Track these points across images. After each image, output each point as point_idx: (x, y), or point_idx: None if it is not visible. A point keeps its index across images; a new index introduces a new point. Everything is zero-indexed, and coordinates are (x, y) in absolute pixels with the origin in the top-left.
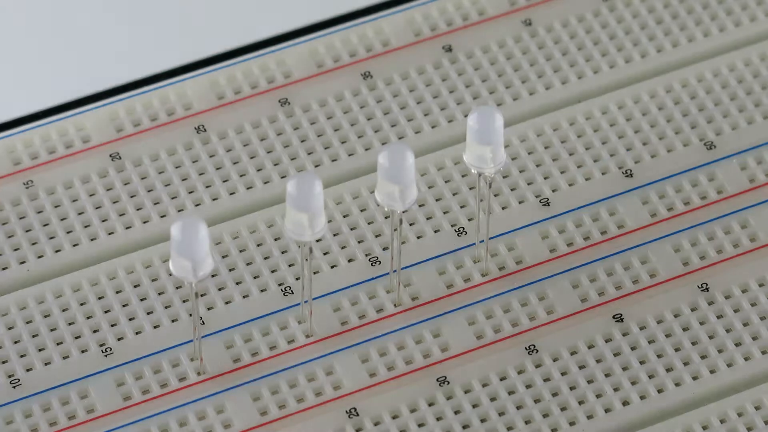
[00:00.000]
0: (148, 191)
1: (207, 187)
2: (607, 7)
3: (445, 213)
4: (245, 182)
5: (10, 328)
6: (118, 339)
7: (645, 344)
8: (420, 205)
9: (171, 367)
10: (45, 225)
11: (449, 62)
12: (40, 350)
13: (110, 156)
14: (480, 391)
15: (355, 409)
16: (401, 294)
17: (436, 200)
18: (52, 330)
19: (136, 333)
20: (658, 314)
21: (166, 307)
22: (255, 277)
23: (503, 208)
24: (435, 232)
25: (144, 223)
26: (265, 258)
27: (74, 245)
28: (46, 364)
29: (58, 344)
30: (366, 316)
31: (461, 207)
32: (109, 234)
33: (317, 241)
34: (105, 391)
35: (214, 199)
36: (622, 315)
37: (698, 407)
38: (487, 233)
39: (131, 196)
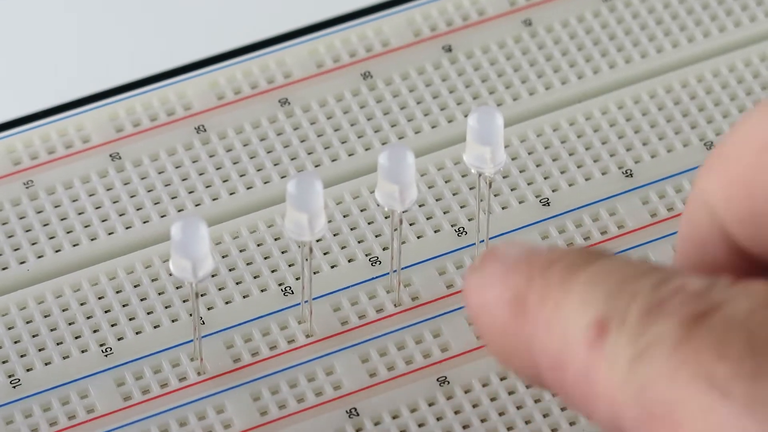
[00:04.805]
0: (148, 191)
1: (207, 187)
2: (607, 7)
3: (445, 213)
4: (245, 182)
5: (10, 328)
6: (118, 339)
7: None
8: (420, 205)
9: (171, 367)
10: (45, 225)
11: (449, 62)
12: (40, 350)
13: (110, 156)
14: (480, 391)
15: (355, 409)
16: (401, 294)
17: (436, 200)
18: (52, 330)
19: (136, 333)
20: None
21: (166, 307)
22: (255, 277)
23: (503, 208)
24: (435, 232)
25: (144, 223)
26: (265, 258)
27: (74, 245)
28: (46, 364)
29: (58, 344)
30: (366, 316)
31: (461, 207)
32: (109, 234)
33: (317, 241)
34: (105, 391)
35: (214, 199)
36: None
37: None
38: (487, 233)
39: (131, 196)
